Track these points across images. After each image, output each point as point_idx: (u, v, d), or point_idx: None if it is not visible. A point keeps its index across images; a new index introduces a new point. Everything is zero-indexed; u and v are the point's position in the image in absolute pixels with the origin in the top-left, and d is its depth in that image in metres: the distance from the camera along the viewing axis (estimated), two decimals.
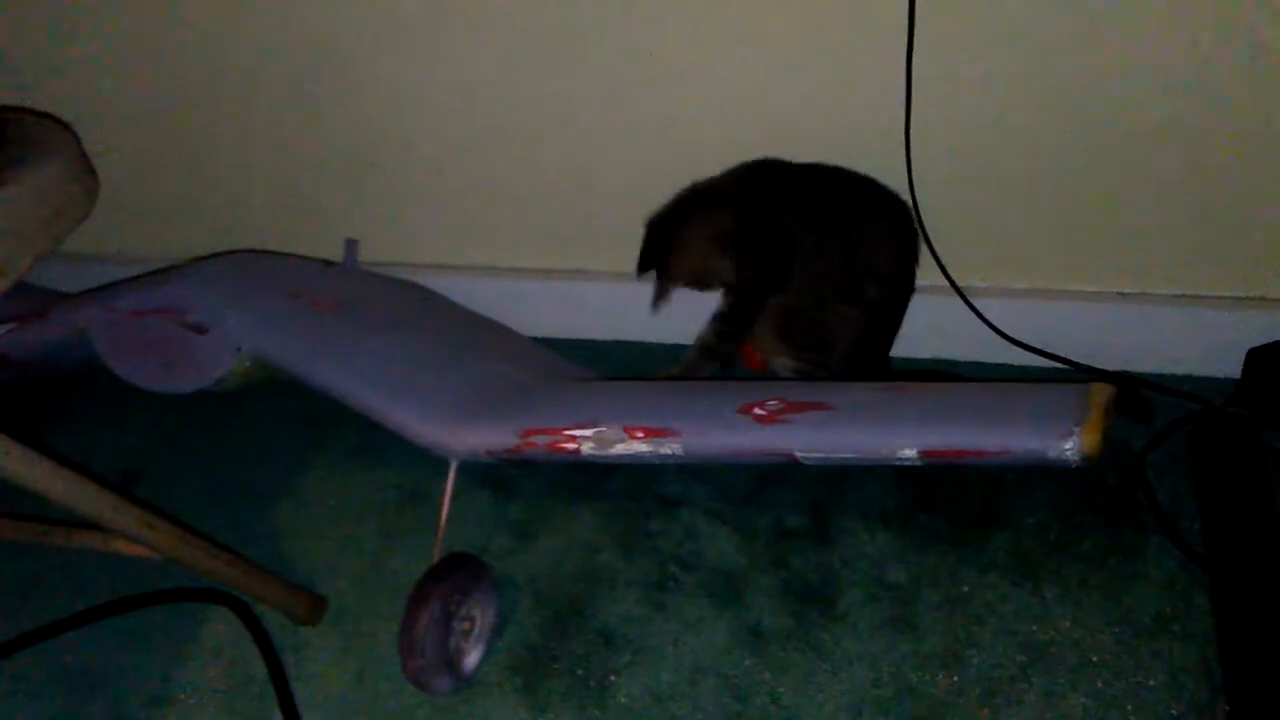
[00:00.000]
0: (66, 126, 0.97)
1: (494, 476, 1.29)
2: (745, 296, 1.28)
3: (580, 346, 1.44)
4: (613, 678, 1.08)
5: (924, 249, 1.27)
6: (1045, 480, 1.20)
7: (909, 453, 0.97)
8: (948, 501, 1.21)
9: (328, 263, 1.44)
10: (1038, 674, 1.04)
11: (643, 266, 1.29)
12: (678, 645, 1.11)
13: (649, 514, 1.24)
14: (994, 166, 1.25)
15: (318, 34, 1.32)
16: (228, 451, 1.39)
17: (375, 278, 1.43)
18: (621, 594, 1.16)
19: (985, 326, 1.31)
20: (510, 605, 1.16)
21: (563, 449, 1.05)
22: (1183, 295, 1.30)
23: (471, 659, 1.10)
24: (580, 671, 1.09)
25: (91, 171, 0.93)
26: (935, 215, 1.26)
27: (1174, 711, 1.00)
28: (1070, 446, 0.91)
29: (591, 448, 1.05)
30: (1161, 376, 1.31)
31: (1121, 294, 1.31)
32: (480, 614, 1.11)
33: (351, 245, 1.46)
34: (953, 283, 1.30)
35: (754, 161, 1.27)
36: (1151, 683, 1.02)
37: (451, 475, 1.11)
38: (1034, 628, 1.08)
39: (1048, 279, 1.33)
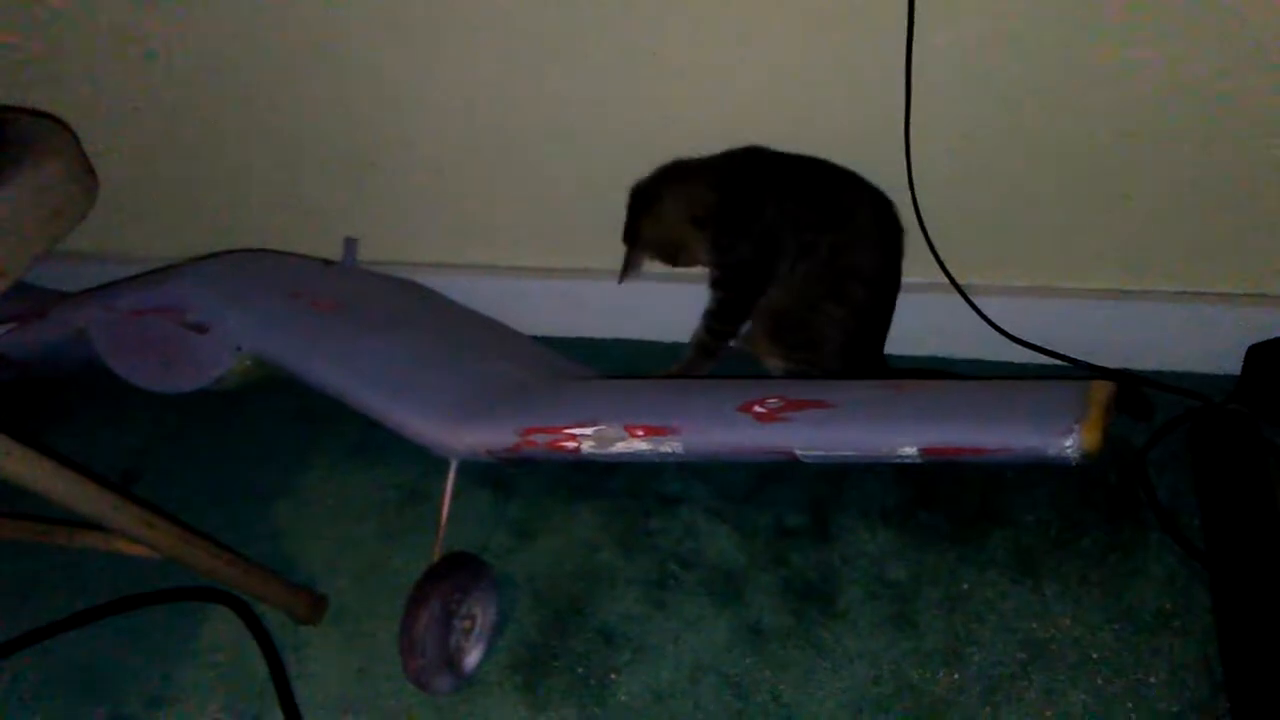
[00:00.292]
0: (66, 126, 0.97)
1: (494, 475, 1.29)
2: (734, 291, 1.28)
3: (580, 345, 1.44)
4: (613, 676, 1.08)
5: (923, 247, 1.27)
6: (1045, 478, 1.20)
7: (909, 450, 0.97)
8: (948, 499, 1.21)
9: (327, 262, 1.44)
10: (1038, 671, 1.04)
11: (626, 236, 1.31)
12: (678, 643, 1.11)
13: (649, 512, 1.24)
14: (994, 165, 1.25)
15: (318, 33, 1.31)
16: (228, 451, 1.39)
17: (375, 277, 1.44)
18: (622, 592, 1.16)
19: (985, 324, 1.31)
20: (510, 604, 1.16)
21: (563, 448, 1.05)
22: (1183, 292, 1.29)
23: (472, 658, 1.10)
24: (580, 670, 1.09)
25: (91, 171, 0.93)
26: (935, 213, 1.26)
27: (1174, 708, 1.00)
28: (1070, 444, 0.91)
29: (591, 446, 1.05)
30: (1161, 373, 1.31)
31: (1121, 291, 1.31)
32: (480, 613, 1.11)
33: (351, 244, 1.46)
34: (953, 280, 1.30)
35: (741, 148, 1.26)
36: (1152, 680, 1.02)
37: (451, 474, 1.11)
38: (1034, 625, 1.08)
39: (1047, 276, 1.32)
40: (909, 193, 1.24)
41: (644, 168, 1.31)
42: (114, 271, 1.43)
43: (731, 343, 1.33)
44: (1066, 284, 1.32)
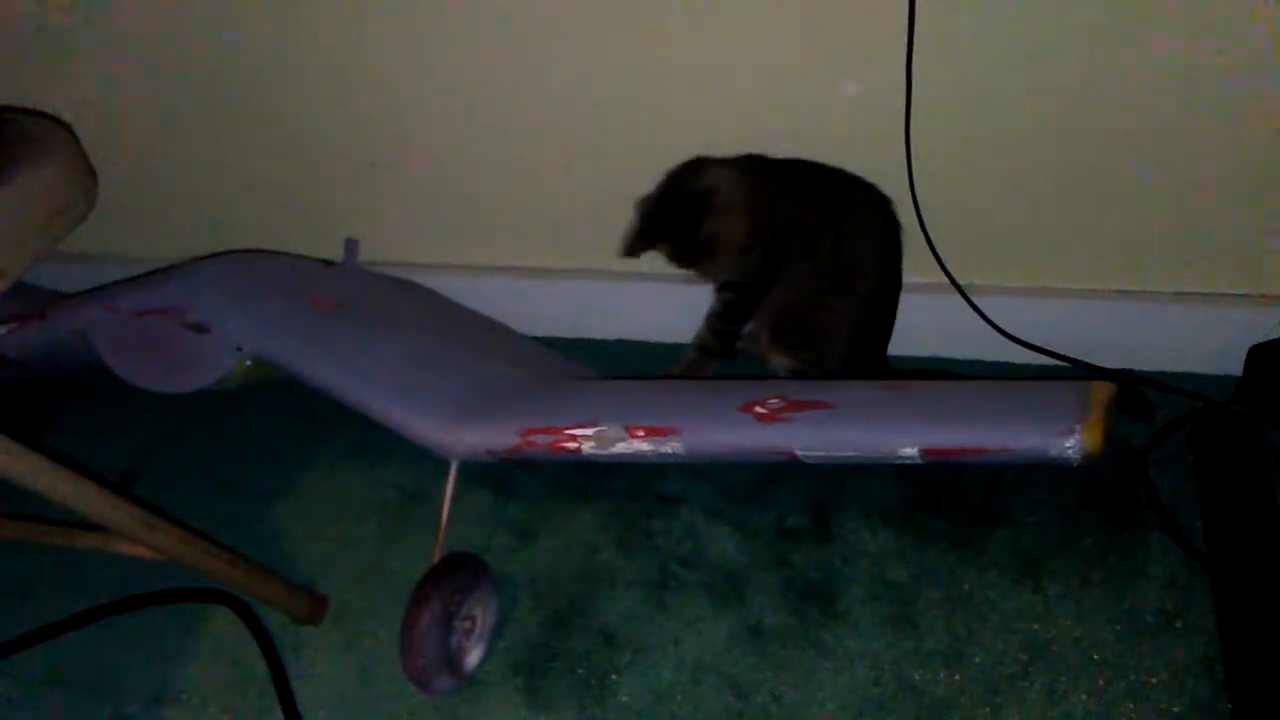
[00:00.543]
0: (66, 126, 0.97)
1: (494, 476, 1.29)
2: (739, 292, 1.28)
3: (580, 346, 1.44)
4: (614, 676, 1.08)
5: (924, 247, 1.27)
6: (1046, 478, 1.20)
7: (910, 451, 0.97)
8: (948, 500, 1.21)
9: (328, 262, 1.43)
10: (1039, 672, 1.04)
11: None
12: (679, 644, 1.11)
13: (650, 513, 1.24)
14: (994, 164, 1.25)
15: (318, 33, 1.31)
16: (228, 451, 1.39)
17: (375, 277, 1.43)
18: (622, 593, 1.16)
19: (986, 324, 1.31)
20: (511, 604, 1.16)
21: (563, 448, 1.05)
22: (1184, 293, 1.29)
23: (472, 658, 1.10)
24: (581, 670, 1.09)
25: (91, 172, 0.93)
26: (936, 213, 1.26)
27: (1176, 709, 1.00)
28: (1071, 445, 0.91)
29: (592, 447, 1.04)
30: (1163, 374, 1.30)
31: (1122, 291, 1.31)
32: (481, 613, 1.11)
33: (351, 245, 1.46)
34: (953, 280, 1.30)
35: (744, 156, 1.26)
36: (1153, 680, 1.02)
37: (452, 475, 1.11)
38: (1035, 626, 1.08)
39: (1048, 277, 1.32)
40: (909, 193, 1.24)
41: (644, 167, 1.31)
42: (114, 272, 1.43)
43: (735, 343, 1.33)
44: (1067, 284, 1.32)
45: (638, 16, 1.23)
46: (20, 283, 0.88)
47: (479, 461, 1.11)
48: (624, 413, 1.06)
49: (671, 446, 1.02)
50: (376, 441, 1.27)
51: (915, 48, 1.17)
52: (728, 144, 1.27)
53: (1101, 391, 0.96)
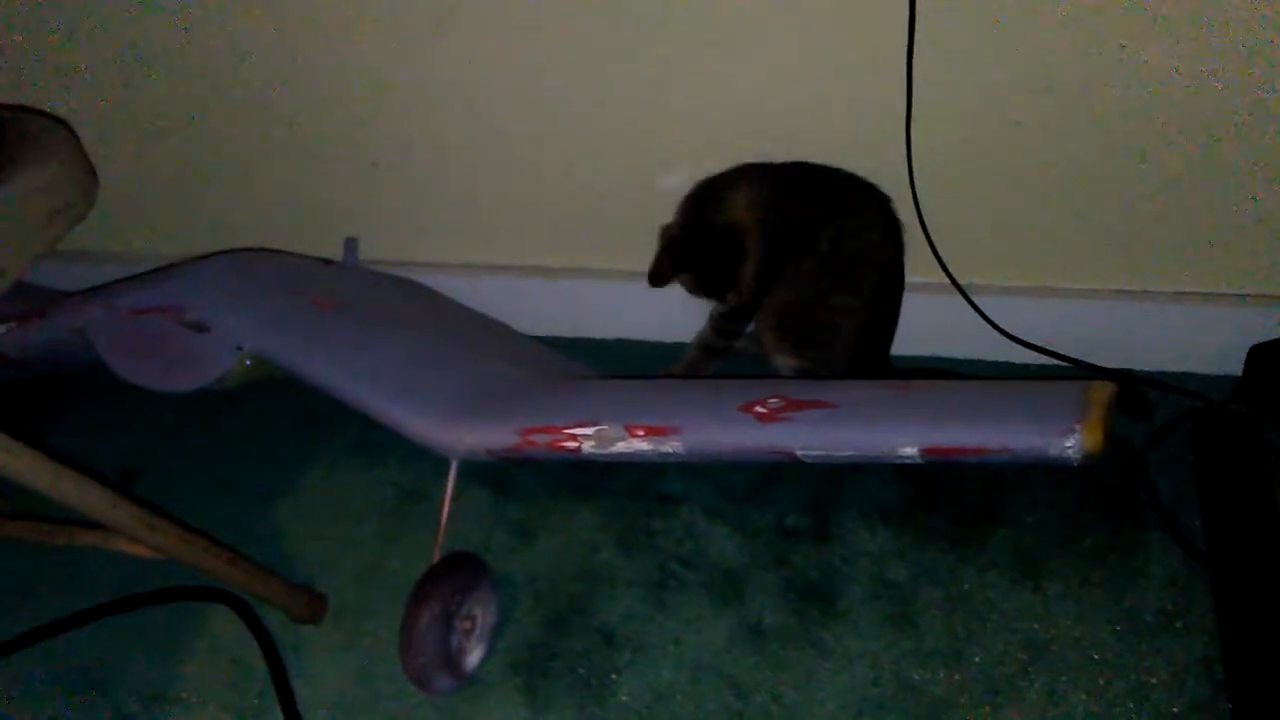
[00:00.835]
0: (66, 126, 0.97)
1: (494, 475, 1.29)
2: (744, 294, 1.28)
3: (580, 345, 1.44)
4: (613, 676, 1.08)
5: (924, 247, 1.27)
6: (1046, 478, 1.20)
7: (910, 451, 0.96)
8: (948, 499, 1.21)
9: (328, 261, 1.43)
10: (1039, 672, 1.04)
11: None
12: (678, 644, 1.11)
13: (649, 512, 1.24)
14: (995, 164, 1.25)
15: (318, 33, 1.31)
16: (227, 450, 1.38)
17: (375, 276, 1.43)
18: (622, 592, 1.16)
19: (986, 324, 1.31)
20: (511, 604, 1.16)
21: (563, 448, 1.05)
22: (1184, 293, 1.30)
23: (472, 658, 1.10)
24: (581, 670, 1.09)
25: (91, 171, 0.93)
26: (936, 213, 1.26)
27: (1175, 709, 1.00)
28: (1071, 444, 0.91)
29: (592, 446, 1.04)
30: (1163, 374, 1.30)
31: (1122, 291, 1.31)
32: (481, 613, 1.11)
33: (351, 244, 1.46)
34: (953, 280, 1.30)
35: (747, 170, 1.26)
36: (1153, 680, 1.02)
37: (452, 474, 1.11)
38: (1035, 625, 1.08)
39: (1049, 276, 1.32)
40: (910, 192, 1.24)
41: (644, 167, 1.32)
42: (114, 271, 1.43)
43: (737, 343, 1.33)
44: (1067, 284, 1.32)
45: (638, 16, 1.23)
46: (20, 282, 0.88)
47: (479, 461, 1.11)
48: (624, 412, 1.06)
49: (671, 446, 1.02)
50: (376, 441, 1.27)
51: (915, 48, 1.17)
52: (728, 144, 1.27)
53: (1101, 391, 0.96)
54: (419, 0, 1.27)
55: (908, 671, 1.05)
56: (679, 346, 1.35)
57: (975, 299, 1.31)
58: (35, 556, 1.22)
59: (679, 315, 1.35)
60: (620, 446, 1.04)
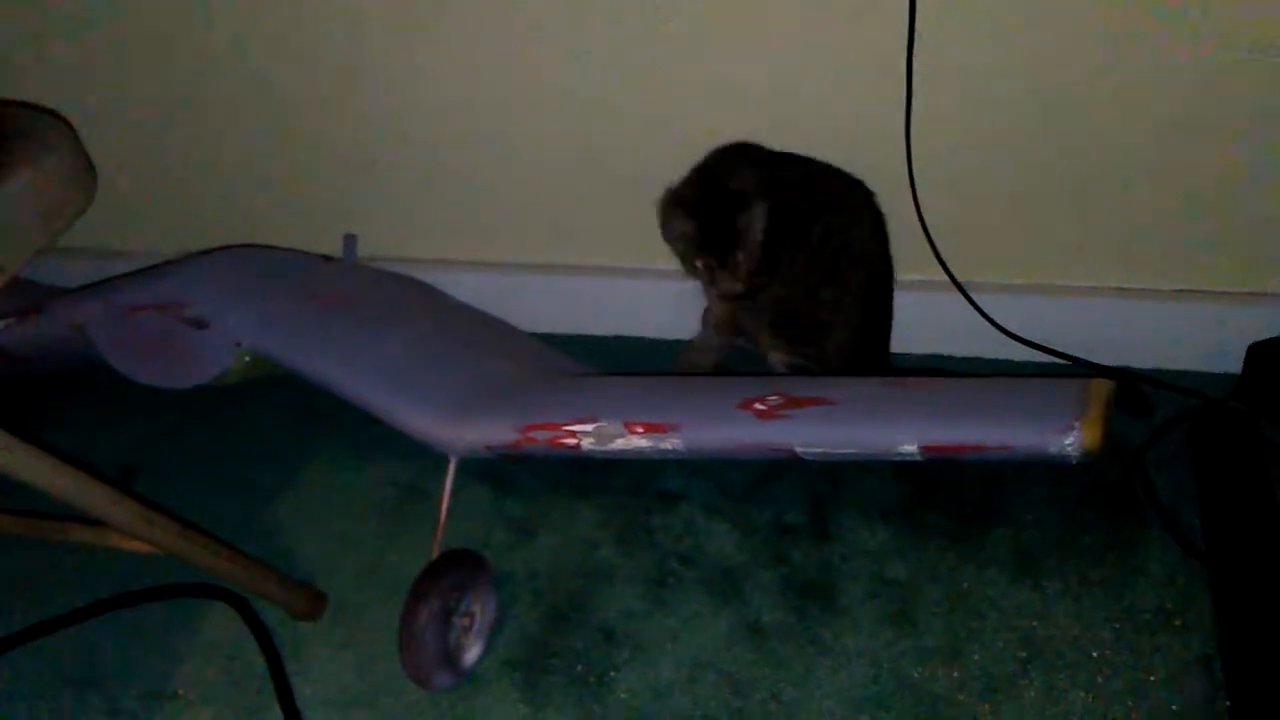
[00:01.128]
0: (65, 122, 0.97)
1: (493, 472, 1.28)
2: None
3: (580, 342, 1.43)
4: (612, 673, 1.08)
5: (924, 245, 1.27)
6: (1045, 476, 1.20)
7: (909, 448, 0.97)
8: (948, 497, 1.21)
9: (327, 258, 1.43)
10: (1038, 670, 1.04)
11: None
12: (677, 641, 1.11)
13: (649, 509, 1.24)
14: (994, 163, 1.25)
15: (317, 30, 1.31)
16: (227, 447, 1.38)
17: (374, 273, 1.43)
18: (621, 590, 1.16)
19: (985, 322, 1.31)
20: (510, 601, 1.16)
21: (563, 444, 1.05)
22: (1183, 290, 1.30)
23: (471, 655, 1.10)
24: (580, 667, 1.09)
25: (89, 167, 0.93)
26: (935, 211, 1.26)
27: (1174, 707, 1.00)
28: (1070, 442, 0.91)
29: (591, 443, 1.04)
30: (1161, 372, 1.30)
31: (1121, 289, 1.31)
32: (480, 610, 1.11)
33: (350, 240, 1.46)
34: (953, 278, 1.30)
35: (725, 147, 1.24)
36: (1152, 678, 1.02)
37: (451, 471, 1.11)
38: (1034, 623, 1.08)
39: (1047, 274, 1.32)
40: (909, 191, 1.24)
41: (643, 165, 1.31)
42: (113, 267, 1.42)
43: (738, 341, 1.33)
44: (1066, 282, 1.32)
45: (638, 14, 1.23)
46: (19, 278, 0.88)
47: (478, 457, 1.11)
48: (623, 409, 1.06)
49: (671, 443, 1.02)
50: (375, 437, 1.26)
51: (915, 48, 1.17)
52: (727, 142, 1.27)
53: (1101, 389, 0.96)
54: None
55: (907, 669, 1.05)
56: (678, 343, 1.35)
57: (974, 297, 1.31)
58: (34, 552, 1.22)
59: (678, 312, 1.35)
60: (619, 443, 1.04)
